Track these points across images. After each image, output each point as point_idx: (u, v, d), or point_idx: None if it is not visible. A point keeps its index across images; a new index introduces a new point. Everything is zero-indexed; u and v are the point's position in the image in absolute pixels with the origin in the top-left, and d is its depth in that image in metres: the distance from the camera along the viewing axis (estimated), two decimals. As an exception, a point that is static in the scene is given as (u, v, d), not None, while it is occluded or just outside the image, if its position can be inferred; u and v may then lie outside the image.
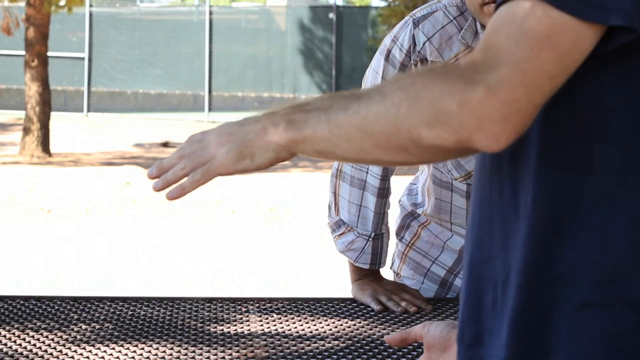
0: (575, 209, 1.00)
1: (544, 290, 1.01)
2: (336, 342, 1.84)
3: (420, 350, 1.80)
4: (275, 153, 1.10)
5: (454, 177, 2.19)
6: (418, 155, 1.00)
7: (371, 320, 2.02)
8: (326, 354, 1.77)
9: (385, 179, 2.17)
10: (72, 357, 1.72)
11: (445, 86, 0.96)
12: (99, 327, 1.92)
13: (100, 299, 2.13)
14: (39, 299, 2.13)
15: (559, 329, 1.01)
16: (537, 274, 1.02)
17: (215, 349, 1.78)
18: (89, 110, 19.40)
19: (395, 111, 0.98)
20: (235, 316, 2.02)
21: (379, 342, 1.85)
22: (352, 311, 2.09)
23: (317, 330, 1.93)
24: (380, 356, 1.76)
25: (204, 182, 1.14)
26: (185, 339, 1.84)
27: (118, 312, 2.03)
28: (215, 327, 1.93)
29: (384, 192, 2.17)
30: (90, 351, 1.75)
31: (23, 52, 13.24)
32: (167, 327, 1.92)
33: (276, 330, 1.91)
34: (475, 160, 1.14)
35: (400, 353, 1.77)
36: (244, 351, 1.76)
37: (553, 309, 1.01)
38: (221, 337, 1.86)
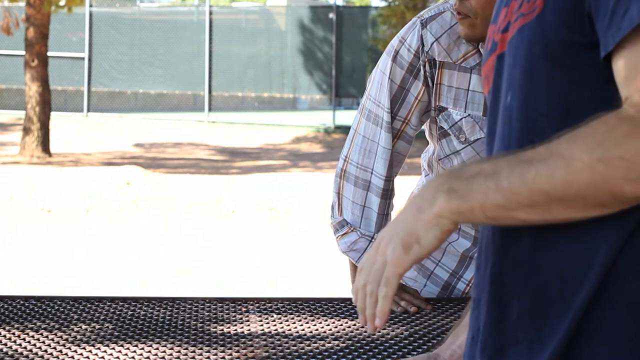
0: (608, 215, 1.02)
1: (586, 293, 1.02)
2: (336, 342, 1.84)
3: (421, 350, 1.80)
4: (440, 227, 1.06)
5: None
6: (618, 207, 0.99)
7: (371, 320, 2.02)
8: (326, 354, 1.76)
9: (389, 180, 2.17)
10: (72, 357, 1.72)
11: (638, 144, 0.96)
12: (99, 327, 1.92)
13: (100, 299, 2.13)
14: (39, 299, 2.13)
15: (596, 329, 1.02)
16: (583, 278, 1.03)
17: (215, 349, 1.78)
18: (88, 110, 19.40)
19: (589, 174, 0.97)
20: (235, 316, 2.02)
21: (379, 342, 1.85)
22: (352, 311, 2.09)
23: (317, 330, 1.93)
24: (380, 356, 1.76)
25: (393, 291, 1.10)
26: (185, 339, 1.84)
27: (118, 312, 2.03)
28: (215, 327, 1.93)
29: (387, 193, 2.17)
30: (90, 351, 1.75)
31: (23, 52, 13.25)
32: (167, 327, 1.92)
33: (276, 330, 1.91)
34: None
35: (401, 353, 1.77)
36: (244, 351, 1.76)
37: (587, 310, 1.02)
38: (221, 337, 1.86)
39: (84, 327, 1.91)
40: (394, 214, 2.23)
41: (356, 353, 1.77)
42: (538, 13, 1.07)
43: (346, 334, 1.90)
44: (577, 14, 1.04)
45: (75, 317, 1.99)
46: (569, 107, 1.05)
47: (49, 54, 13.27)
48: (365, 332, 1.92)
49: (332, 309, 2.10)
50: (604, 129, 0.97)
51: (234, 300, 2.15)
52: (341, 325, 1.97)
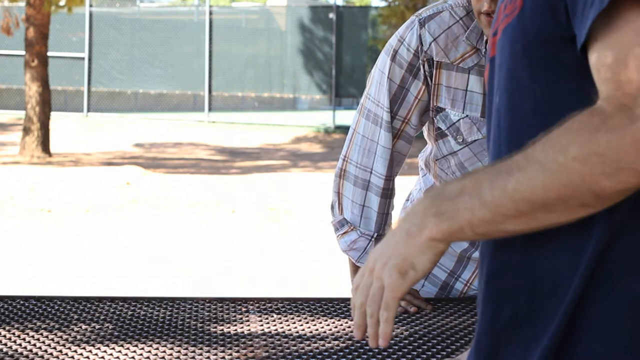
0: (604, 215, 1.02)
1: (577, 289, 1.03)
2: (336, 342, 1.84)
3: (421, 350, 1.80)
4: (433, 250, 1.08)
5: None
6: (601, 205, 0.99)
7: (371, 320, 2.02)
8: (326, 354, 1.76)
9: (389, 179, 2.16)
10: (72, 357, 1.72)
11: (609, 136, 0.95)
12: (99, 327, 1.92)
13: (100, 299, 2.13)
14: (39, 299, 2.13)
15: (590, 325, 1.02)
16: (574, 274, 1.03)
17: (215, 349, 1.78)
18: (89, 110, 19.40)
19: (567, 175, 0.97)
20: (235, 316, 2.02)
21: (379, 342, 1.85)
22: (352, 311, 2.08)
23: (317, 330, 1.93)
24: (380, 356, 1.76)
25: (393, 314, 1.14)
26: (185, 339, 1.84)
27: (118, 312, 2.03)
28: (215, 327, 1.93)
29: (387, 193, 2.17)
30: (90, 351, 1.75)
31: (23, 52, 13.25)
32: (167, 327, 1.92)
33: (276, 330, 1.91)
34: None
35: (401, 353, 1.77)
36: (244, 351, 1.76)
37: (579, 306, 1.03)
38: (221, 337, 1.86)
39: (84, 327, 1.91)
40: (394, 213, 2.23)
41: (356, 353, 1.77)
42: (518, 12, 1.09)
43: (346, 334, 1.90)
44: (553, 9, 1.04)
45: (75, 317, 1.99)
46: (552, 103, 1.06)
47: (49, 54, 13.27)
48: (366, 332, 1.92)
49: (332, 309, 2.10)
50: (576, 127, 0.97)
51: (234, 300, 2.15)
52: (341, 325, 1.97)
